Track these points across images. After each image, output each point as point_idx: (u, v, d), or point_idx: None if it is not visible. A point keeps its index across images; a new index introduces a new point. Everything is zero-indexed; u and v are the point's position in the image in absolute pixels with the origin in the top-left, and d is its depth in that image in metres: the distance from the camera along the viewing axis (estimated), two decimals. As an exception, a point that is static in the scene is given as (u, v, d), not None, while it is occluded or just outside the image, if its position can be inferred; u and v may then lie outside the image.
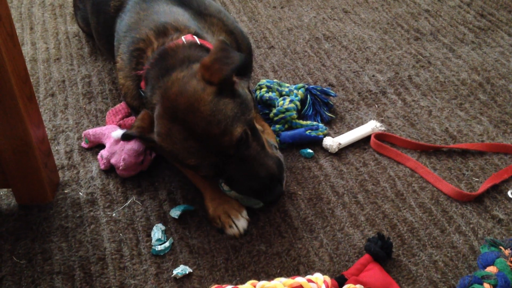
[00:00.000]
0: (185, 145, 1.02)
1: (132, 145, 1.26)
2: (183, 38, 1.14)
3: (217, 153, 1.03)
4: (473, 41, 1.80)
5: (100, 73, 1.64)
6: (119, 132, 1.29)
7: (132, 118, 1.39)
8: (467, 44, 1.78)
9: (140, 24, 1.21)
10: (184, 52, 1.11)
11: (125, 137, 1.10)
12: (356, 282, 1.02)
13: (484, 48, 1.76)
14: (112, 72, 1.65)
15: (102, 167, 1.28)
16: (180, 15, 1.23)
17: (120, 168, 1.24)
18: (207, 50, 1.14)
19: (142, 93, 1.15)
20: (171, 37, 1.16)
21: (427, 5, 2.02)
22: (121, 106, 1.43)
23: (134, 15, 1.25)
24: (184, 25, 1.19)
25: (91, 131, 1.34)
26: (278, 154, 1.16)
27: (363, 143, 1.39)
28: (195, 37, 1.16)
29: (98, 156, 1.30)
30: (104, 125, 1.40)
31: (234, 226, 1.13)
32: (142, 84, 1.15)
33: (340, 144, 1.35)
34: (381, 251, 1.07)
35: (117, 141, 1.27)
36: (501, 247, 1.08)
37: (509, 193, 1.23)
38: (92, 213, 1.19)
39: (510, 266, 1.05)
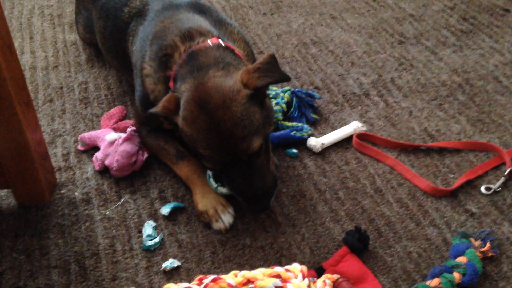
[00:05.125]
0: (206, 136, 1.09)
1: (125, 147, 1.33)
2: (209, 41, 1.22)
3: (231, 153, 1.10)
4: (455, 44, 1.87)
5: (96, 80, 1.72)
6: (113, 135, 1.37)
7: (126, 121, 1.46)
8: (449, 46, 1.85)
9: (166, 32, 1.28)
10: (214, 53, 1.18)
11: (151, 115, 1.15)
12: (333, 272, 1.08)
13: (465, 50, 1.83)
14: (108, 78, 1.73)
15: (97, 168, 1.35)
16: (202, 22, 1.31)
17: (114, 169, 1.31)
18: (233, 52, 1.22)
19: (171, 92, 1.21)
20: (197, 41, 1.23)
21: (411, 9, 2.09)
22: (115, 110, 1.50)
23: (159, 23, 1.32)
24: (207, 30, 1.27)
25: (86, 134, 1.42)
26: (275, 173, 1.23)
27: (345, 142, 1.46)
28: (220, 40, 1.23)
29: (93, 158, 1.37)
30: (99, 129, 1.47)
31: (220, 220, 1.20)
32: (171, 84, 1.22)
33: (323, 144, 1.42)
34: (358, 243, 1.14)
35: (111, 144, 1.35)
36: (471, 238, 1.15)
37: (482, 188, 1.29)
38: (87, 212, 1.27)
39: (479, 256, 1.11)
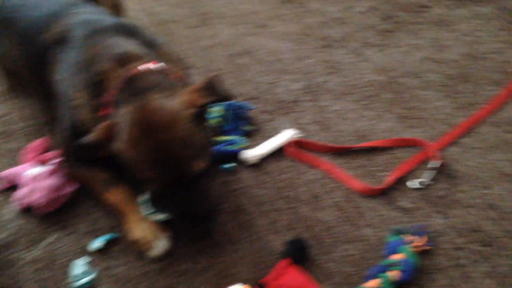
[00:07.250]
0: (151, 157, 1.05)
1: (51, 180, 1.26)
2: (144, 65, 1.19)
3: (175, 173, 1.07)
4: (379, 43, 1.92)
5: (13, 111, 1.62)
6: (35, 170, 1.29)
7: (50, 154, 1.38)
8: (373, 47, 1.91)
9: (98, 58, 1.23)
10: (152, 77, 1.16)
11: (83, 145, 1.10)
12: (276, 286, 1.07)
13: (388, 49, 1.89)
14: (24, 109, 1.64)
15: (19, 208, 1.27)
16: (133, 46, 1.27)
17: (40, 205, 1.24)
18: (169, 74, 1.20)
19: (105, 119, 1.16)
20: (132, 65, 1.19)
21: (337, 13, 2.14)
22: (37, 142, 1.42)
23: (86, 50, 1.27)
24: (141, 53, 1.23)
25: (4, 173, 1.33)
26: (218, 195, 1.21)
27: (281, 152, 1.45)
28: (155, 64, 1.20)
29: (13, 198, 1.28)
30: (21, 164, 1.38)
31: (155, 247, 1.16)
32: (106, 110, 1.17)
33: (257, 155, 1.41)
34: (299, 253, 1.14)
35: (33, 179, 1.27)
36: (404, 234, 1.17)
37: (407, 183, 1.33)
38: (11, 256, 1.18)
39: (414, 250, 1.14)
